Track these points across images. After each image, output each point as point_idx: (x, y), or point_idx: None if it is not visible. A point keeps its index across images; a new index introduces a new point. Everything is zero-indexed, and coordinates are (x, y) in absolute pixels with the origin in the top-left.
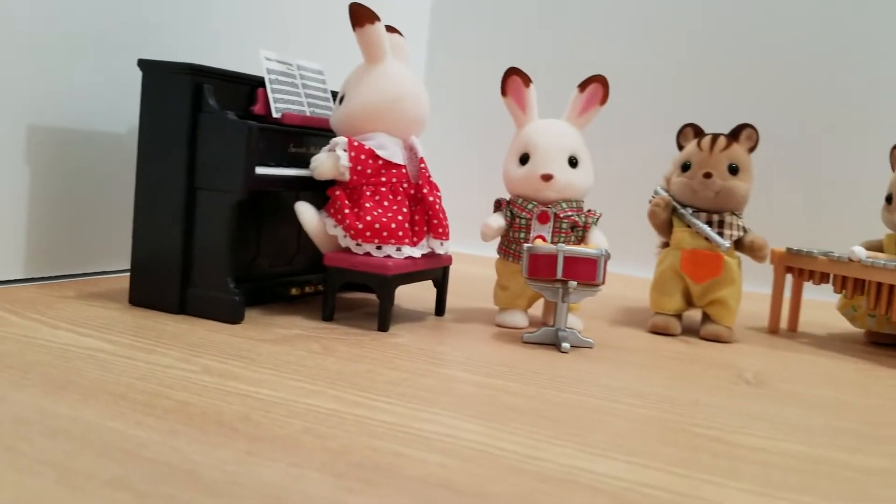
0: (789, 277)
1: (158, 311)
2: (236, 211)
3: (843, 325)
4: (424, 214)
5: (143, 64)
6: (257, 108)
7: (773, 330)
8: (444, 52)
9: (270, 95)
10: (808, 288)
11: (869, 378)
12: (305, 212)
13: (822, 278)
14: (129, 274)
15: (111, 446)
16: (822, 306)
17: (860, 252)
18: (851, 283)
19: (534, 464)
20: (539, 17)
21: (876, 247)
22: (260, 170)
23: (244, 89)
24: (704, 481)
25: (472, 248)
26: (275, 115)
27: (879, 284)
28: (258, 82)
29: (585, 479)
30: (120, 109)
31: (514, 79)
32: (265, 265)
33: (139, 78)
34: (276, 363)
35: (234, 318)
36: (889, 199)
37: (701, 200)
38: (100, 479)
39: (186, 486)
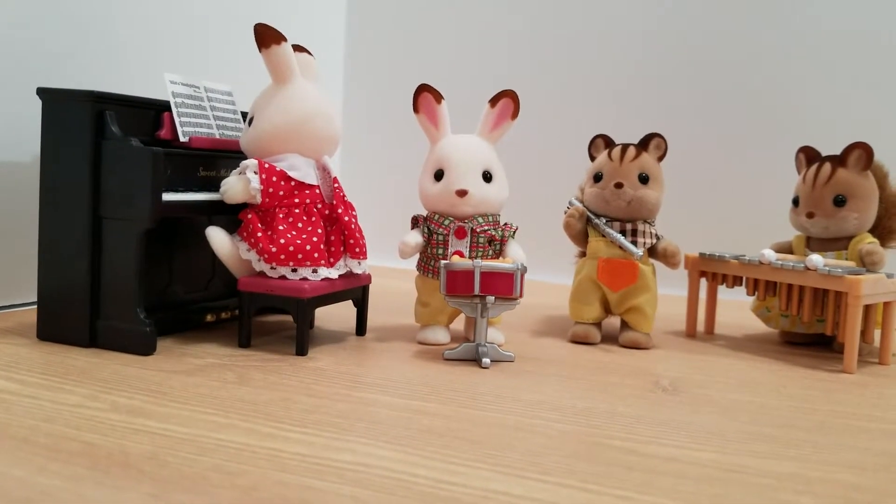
0: (704, 281)
1: (68, 345)
2: (144, 239)
3: (759, 325)
4: (340, 234)
5: (42, 92)
6: (163, 133)
7: (691, 334)
8: (359, 68)
9: (177, 119)
10: (725, 289)
11: (783, 379)
12: (216, 236)
13: (735, 281)
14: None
15: (11, 496)
16: (738, 306)
17: (770, 255)
18: (763, 286)
19: (448, 489)
20: (453, 32)
21: (786, 248)
22: (167, 196)
23: (149, 114)
24: (617, 497)
25: (392, 261)
26: (182, 138)
27: (790, 286)
28: (164, 106)
29: (499, 502)
30: (23, 139)
31: (425, 95)
32: (179, 292)
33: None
34: (187, 396)
35: (146, 349)
36: (796, 202)
37: (613, 210)
38: None
39: None
